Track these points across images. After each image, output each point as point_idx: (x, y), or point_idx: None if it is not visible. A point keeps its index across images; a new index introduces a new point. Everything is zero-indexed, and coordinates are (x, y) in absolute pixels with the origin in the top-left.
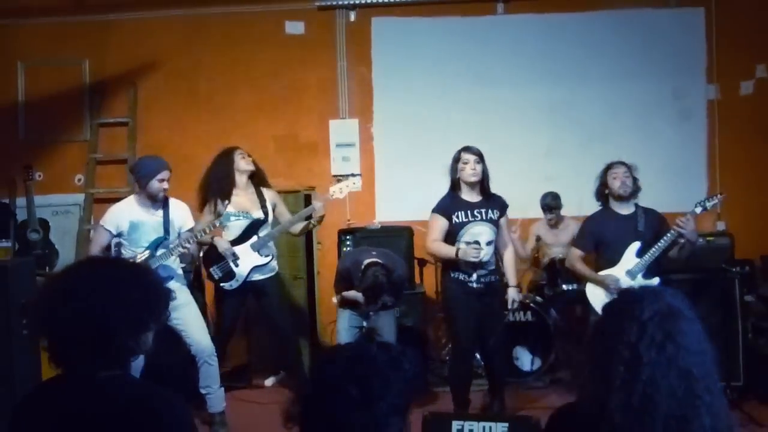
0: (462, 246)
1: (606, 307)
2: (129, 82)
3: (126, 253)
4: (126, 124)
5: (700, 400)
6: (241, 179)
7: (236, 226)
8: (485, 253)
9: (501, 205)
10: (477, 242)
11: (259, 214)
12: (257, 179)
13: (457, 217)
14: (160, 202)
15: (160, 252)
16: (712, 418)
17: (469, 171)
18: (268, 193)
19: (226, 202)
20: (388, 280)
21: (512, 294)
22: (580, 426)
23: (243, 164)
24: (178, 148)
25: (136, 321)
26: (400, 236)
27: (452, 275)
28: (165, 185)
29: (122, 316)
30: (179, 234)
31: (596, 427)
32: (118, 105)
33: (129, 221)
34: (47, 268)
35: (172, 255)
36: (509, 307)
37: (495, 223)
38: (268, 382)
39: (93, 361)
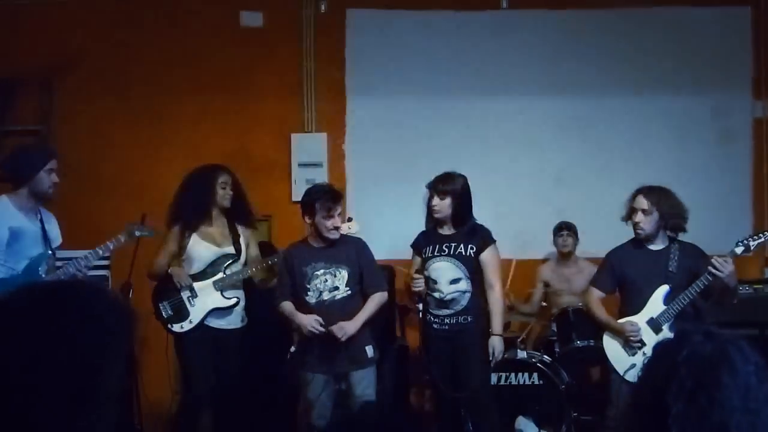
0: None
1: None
2: (42, 82)
3: None
4: (37, 132)
5: None
6: (214, 209)
7: (200, 259)
8: (449, 292)
9: (481, 239)
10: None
11: (229, 249)
12: (233, 213)
13: (425, 252)
14: (46, 202)
15: (43, 270)
16: None
17: (434, 209)
18: (244, 231)
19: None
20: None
21: (493, 343)
22: None
23: (220, 197)
24: (103, 163)
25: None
26: None
27: (426, 318)
28: (56, 178)
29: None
30: (53, 253)
31: None
32: (27, 110)
33: (8, 227)
34: None
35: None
36: (490, 358)
37: (466, 260)
38: None
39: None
